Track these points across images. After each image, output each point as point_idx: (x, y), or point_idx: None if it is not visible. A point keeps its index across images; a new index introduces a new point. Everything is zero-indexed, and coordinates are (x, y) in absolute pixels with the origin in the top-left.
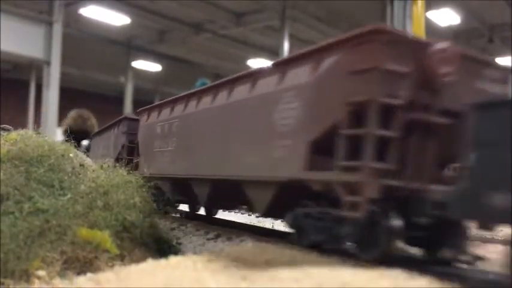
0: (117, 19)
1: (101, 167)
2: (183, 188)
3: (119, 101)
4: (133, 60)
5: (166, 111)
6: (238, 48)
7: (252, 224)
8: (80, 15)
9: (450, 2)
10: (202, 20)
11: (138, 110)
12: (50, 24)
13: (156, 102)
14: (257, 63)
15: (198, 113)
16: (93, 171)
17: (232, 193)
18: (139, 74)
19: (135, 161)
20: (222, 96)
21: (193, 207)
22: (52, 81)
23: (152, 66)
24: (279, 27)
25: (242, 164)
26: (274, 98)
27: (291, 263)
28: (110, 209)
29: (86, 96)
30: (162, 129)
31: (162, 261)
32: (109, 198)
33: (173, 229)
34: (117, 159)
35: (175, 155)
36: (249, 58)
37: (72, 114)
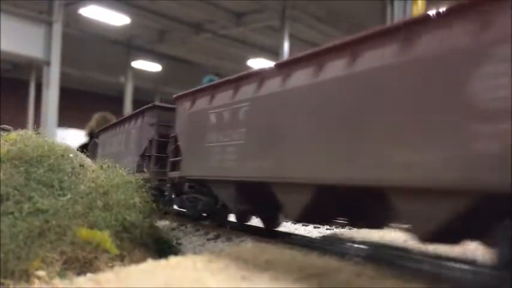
0: (117, 19)
1: (101, 167)
2: (256, 194)
3: (119, 100)
4: (133, 60)
5: (224, 95)
6: (238, 48)
7: (251, 224)
8: (80, 15)
9: (450, 2)
10: (202, 20)
11: (176, 95)
12: (49, 24)
13: (204, 85)
14: (257, 63)
15: (288, 92)
16: (93, 171)
17: (353, 204)
18: (139, 74)
19: (172, 159)
20: (337, 66)
21: (244, 218)
22: (52, 81)
23: (152, 66)
24: (279, 27)
25: (388, 162)
26: (469, 57)
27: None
28: (110, 209)
29: (86, 96)
30: (219, 118)
31: (162, 262)
32: (109, 198)
33: (173, 229)
34: (142, 157)
35: (247, 151)
36: (249, 58)
37: (96, 116)
